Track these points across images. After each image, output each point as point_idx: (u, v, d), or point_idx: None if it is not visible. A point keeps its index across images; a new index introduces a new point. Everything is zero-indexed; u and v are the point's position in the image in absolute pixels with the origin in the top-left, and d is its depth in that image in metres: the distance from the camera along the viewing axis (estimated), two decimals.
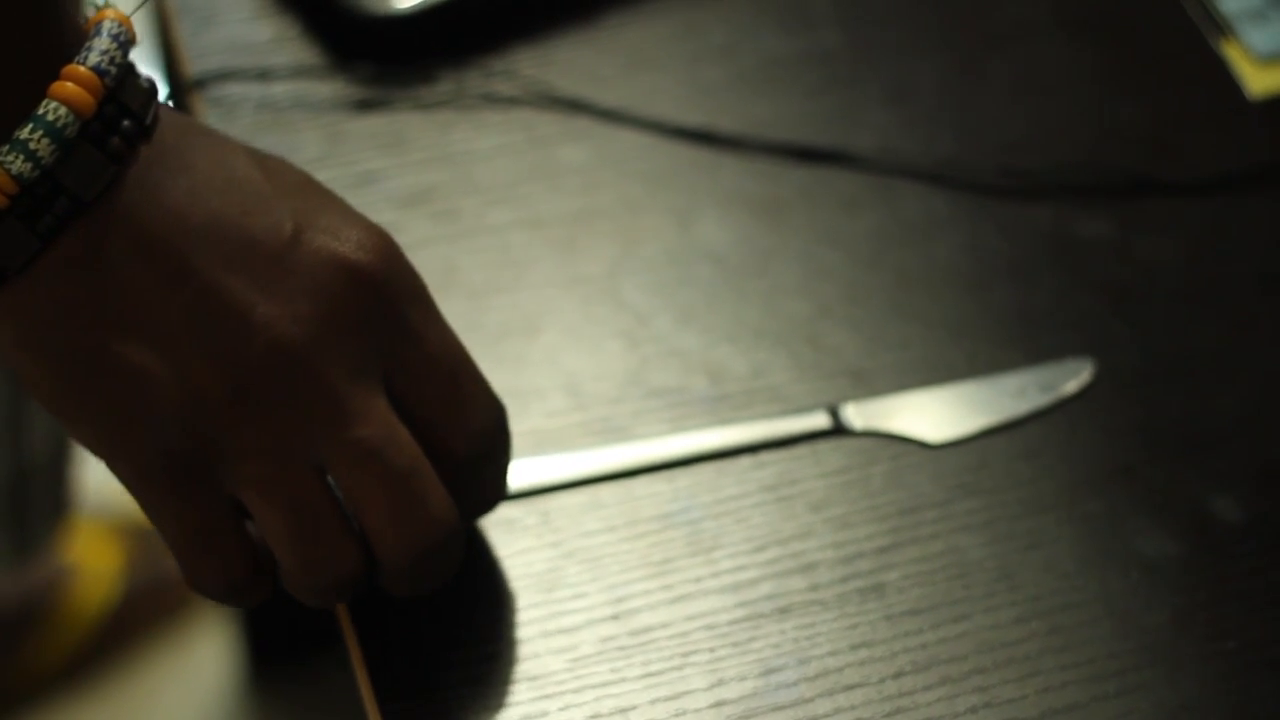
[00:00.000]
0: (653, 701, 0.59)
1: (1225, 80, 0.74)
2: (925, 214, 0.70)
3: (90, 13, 0.55)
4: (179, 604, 1.38)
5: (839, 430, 0.65)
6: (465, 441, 0.56)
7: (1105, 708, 0.59)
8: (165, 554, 1.38)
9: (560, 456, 0.63)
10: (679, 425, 0.65)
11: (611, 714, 0.59)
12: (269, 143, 0.70)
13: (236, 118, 0.71)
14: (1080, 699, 0.59)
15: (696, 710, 0.59)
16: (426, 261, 0.68)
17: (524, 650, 0.60)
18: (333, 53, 0.73)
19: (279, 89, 0.72)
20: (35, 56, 0.52)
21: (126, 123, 0.53)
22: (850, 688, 0.60)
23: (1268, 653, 0.61)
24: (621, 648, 0.60)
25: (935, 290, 0.68)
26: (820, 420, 0.65)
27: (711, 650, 0.60)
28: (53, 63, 0.52)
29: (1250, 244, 0.70)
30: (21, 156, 0.51)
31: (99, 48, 0.52)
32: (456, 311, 0.67)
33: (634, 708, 0.59)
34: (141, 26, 1.47)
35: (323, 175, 0.70)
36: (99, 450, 0.54)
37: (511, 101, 0.72)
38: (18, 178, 0.51)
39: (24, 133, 0.51)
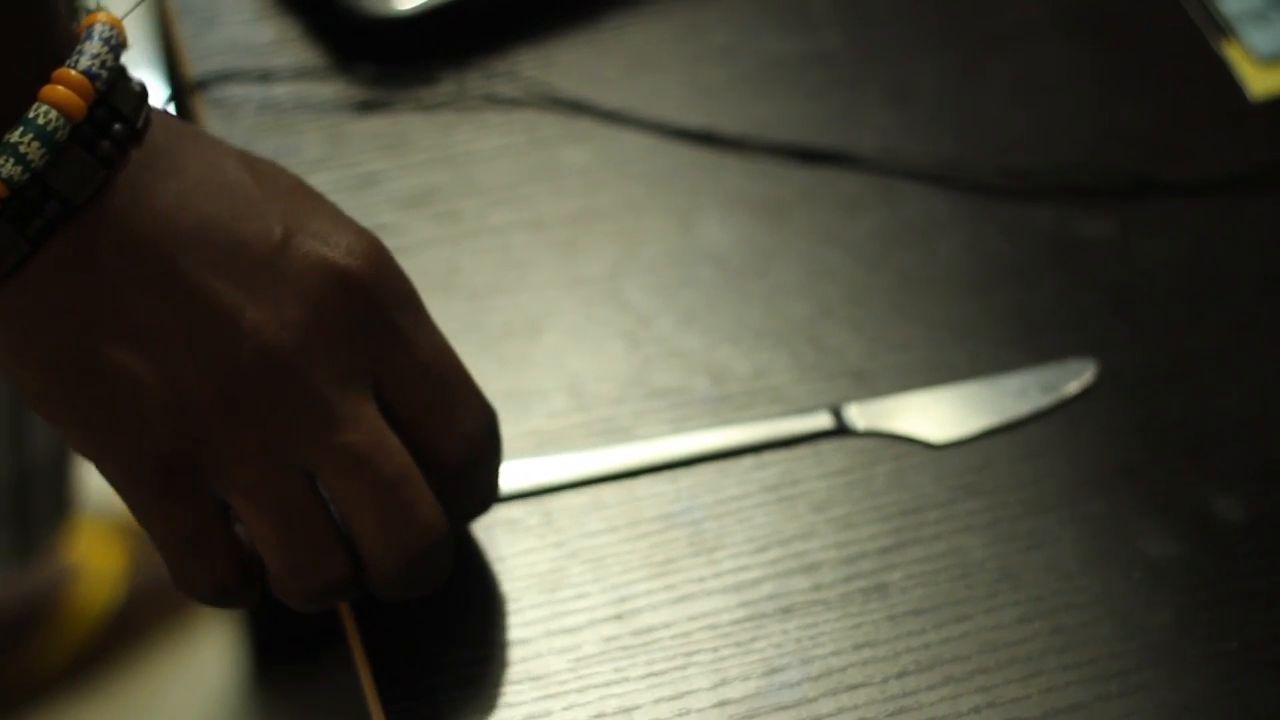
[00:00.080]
0: (656, 701, 0.59)
1: (1226, 81, 0.74)
2: (927, 214, 0.70)
3: (89, 12, 0.55)
4: (182, 604, 1.38)
5: (841, 431, 0.65)
6: (454, 447, 0.56)
7: (1108, 708, 0.59)
8: None
9: (562, 457, 0.63)
10: (681, 426, 0.65)
11: (615, 714, 0.59)
12: (271, 144, 0.70)
13: (238, 119, 0.71)
14: (1083, 699, 0.59)
15: (700, 710, 0.59)
16: (428, 263, 0.68)
17: (527, 650, 0.60)
18: (334, 54, 0.73)
19: (281, 90, 0.72)
20: (26, 60, 0.52)
21: (117, 126, 0.53)
22: (853, 687, 0.60)
23: (1270, 653, 0.61)
24: (624, 648, 0.60)
25: (937, 291, 0.68)
26: (822, 421, 0.65)
27: (714, 650, 0.60)
28: (44, 66, 0.52)
29: (1251, 245, 0.70)
30: (11, 160, 0.51)
31: (90, 51, 0.52)
32: (458, 312, 0.67)
33: (637, 707, 0.59)
34: (142, 28, 1.47)
35: (324, 176, 0.70)
36: (88, 453, 0.54)
37: (513, 103, 0.72)
38: (8, 181, 0.51)
39: (14, 136, 0.51)
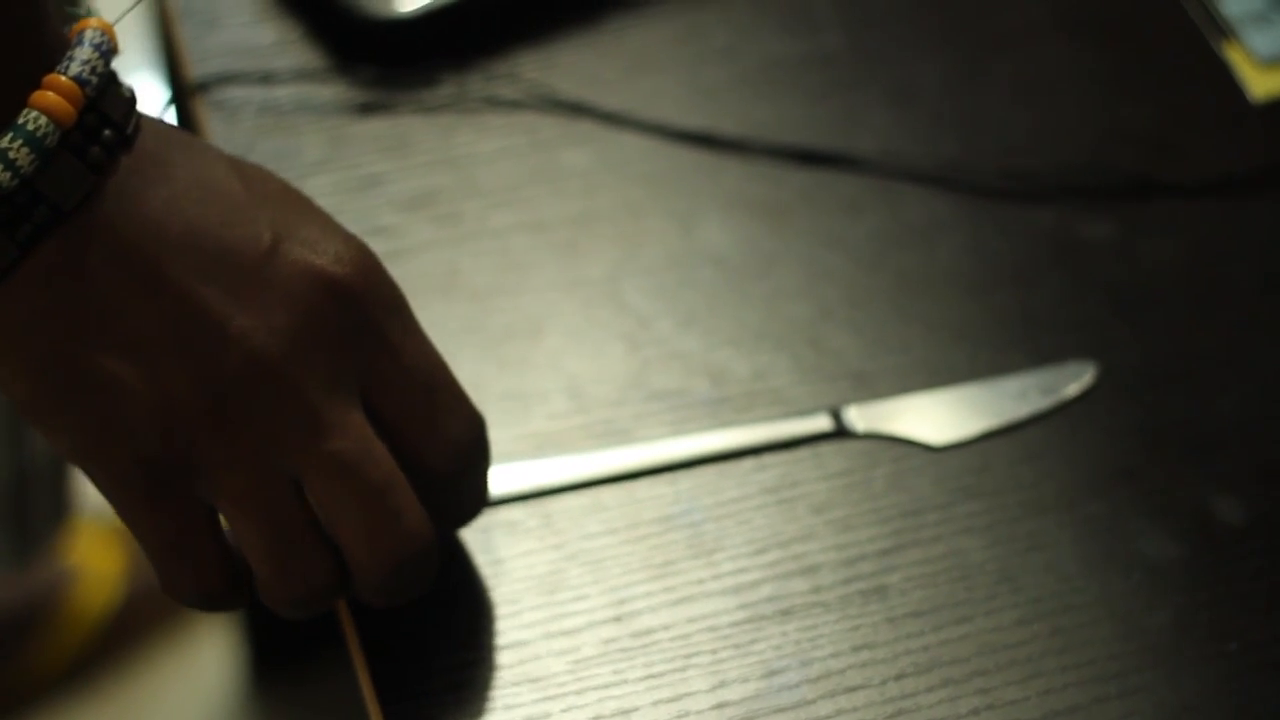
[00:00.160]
0: (655, 703, 0.59)
1: (1227, 83, 0.74)
2: (927, 216, 0.70)
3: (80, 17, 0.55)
4: (180, 607, 1.38)
5: (841, 433, 0.65)
6: (442, 454, 0.56)
7: (1107, 709, 0.59)
8: None
9: (562, 459, 0.63)
10: (681, 428, 0.65)
11: (613, 716, 0.59)
12: (271, 146, 0.70)
13: (239, 121, 0.71)
14: (1082, 700, 0.59)
15: (699, 712, 0.59)
16: (429, 265, 0.68)
17: (526, 652, 0.60)
18: (335, 56, 0.73)
19: (281, 92, 0.72)
20: (16, 65, 0.51)
21: (107, 132, 0.52)
22: (852, 689, 0.60)
23: (1270, 654, 0.61)
24: (623, 650, 0.60)
25: (937, 292, 0.68)
26: (822, 423, 0.65)
27: (713, 652, 0.60)
28: (34, 72, 0.52)
29: (1252, 246, 0.70)
30: (1, 165, 0.51)
31: (80, 57, 0.52)
32: (459, 314, 0.67)
33: (636, 709, 0.59)
34: (142, 30, 1.47)
35: (325, 179, 0.70)
36: (77, 459, 0.54)
37: (514, 105, 0.72)
38: None
39: (4, 141, 0.51)
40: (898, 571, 0.62)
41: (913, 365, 0.66)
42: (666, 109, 0.72)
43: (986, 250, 0.69)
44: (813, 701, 0.59)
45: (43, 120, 0.51)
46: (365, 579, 0.55)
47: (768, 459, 0.64)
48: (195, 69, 0.72)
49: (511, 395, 0.65)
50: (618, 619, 0.61)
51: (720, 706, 0.59)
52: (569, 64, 0.73)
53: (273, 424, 0.53)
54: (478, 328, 0.66)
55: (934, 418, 0.65)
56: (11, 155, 0.51)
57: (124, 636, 1.37)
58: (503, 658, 0.60)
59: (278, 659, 1.36)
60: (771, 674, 0.60)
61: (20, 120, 0.51)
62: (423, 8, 0.72)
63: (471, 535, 0.62)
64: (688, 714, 0.59)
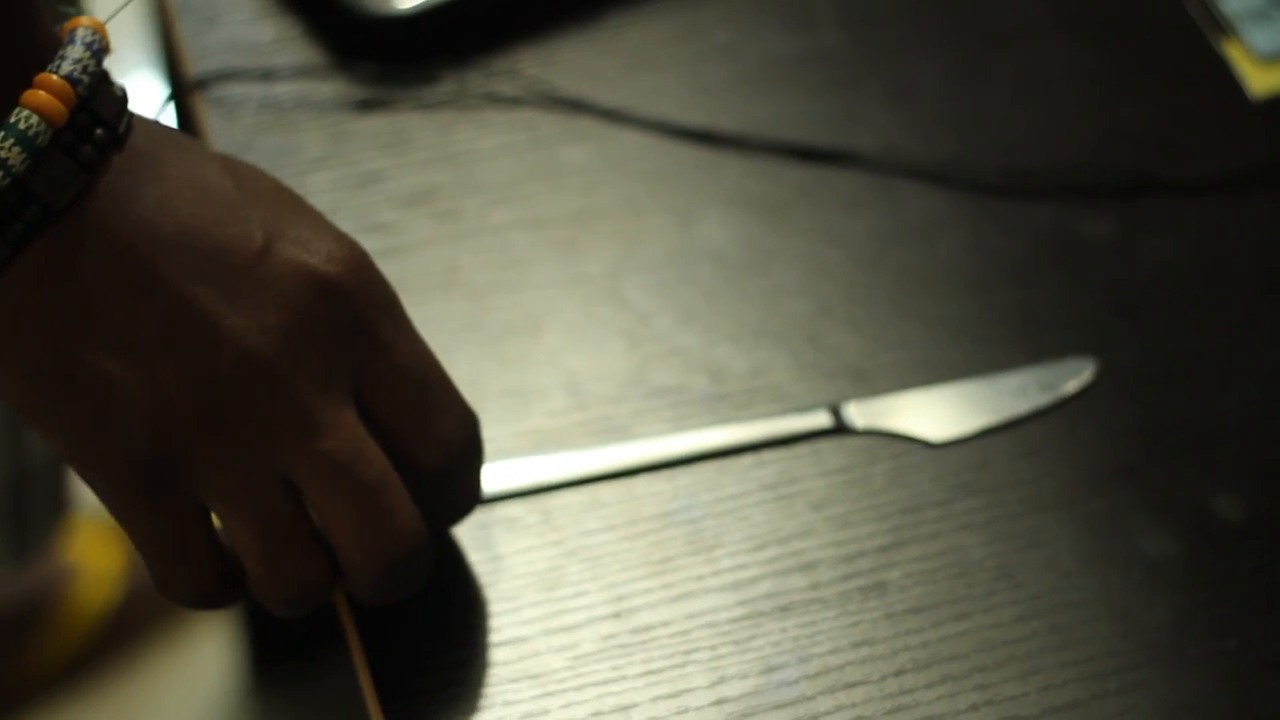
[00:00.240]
0: (654, 699, 0.59)
1: (1227, 80, 0.74)
2: (927, 213, 0.70)
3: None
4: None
5: (840, 429, 0.65)
6: (434, 453, 0.56)
7: (1106, 706, 0.59)
8: None
9: (561, 455, 0.63)
10: (680, 424, 0.65)
11: (613, 712, 0.59)
12: (271, 143, 0.70)
13: (238, 118, 0.71)
14: (1081, 697, 0.59)
15: (698, 708, 0.59)
16: (428, 262, 0.68)
17: (525, 648, 0.60)
18: (335, 53, 0.73)
19: (281, 89, 0.72)
20: (7, 64, 0.51)
21: (99, 131, 0.52)
22: (851, 685, 0.60)
23: (1269, 652, 0.61)
24: (623, 646, 0.60)
25: (936, 290, 0.68)
26: (821, 419, 0.65)
27: (712, 648, 0.60)
28: (25, 71, 0.52)
29: (1252, 243, 0.70)
30: None
31: (72, 56, 0.52)
32: (458, 311, 0.67)
33: (635, 705, 0.59)
34: (142, 27, 1.47)
35: (325, 175, 0.70)
36: (69, 458, 0.54)
37: (513, 101, 0.72)
38: None
39: None
40: (897, 568, 0.62)
41: (912, 362, 0.66)
42: (666, 106, 0.72)
43: (986, 248, 0.69)
44: (812, 698, 0.59)
45: (34, 119, 0.51)
46: (358, 578, 0.55)
47: (767, 455, 0.64)
48: (195, 66, 0.72)
49: (511, 392, 0.65)
50: (617, 615, 0.61)
51: (719, 703, 0.59)
52: (569, 61, 0.73)
53: (265, 423, 0.53)
54: (477, 324, 0.66)
55: (933, 414, 0.65)
56: (3, 154, 0.51)
57: (123, 634, 1.37)
58: (502, 654, 0.60)
59: (277, 656, 1.36)
60: (770, 670, 0.60)
61: (12, 119, 0.51)
62: (422, 4, 0.72)
63: (471, 532, 0.62)
64: (687, 710, 0.59)
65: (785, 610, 0.61)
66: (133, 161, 0.53)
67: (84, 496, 1.40)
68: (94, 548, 1.36)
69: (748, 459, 0.64)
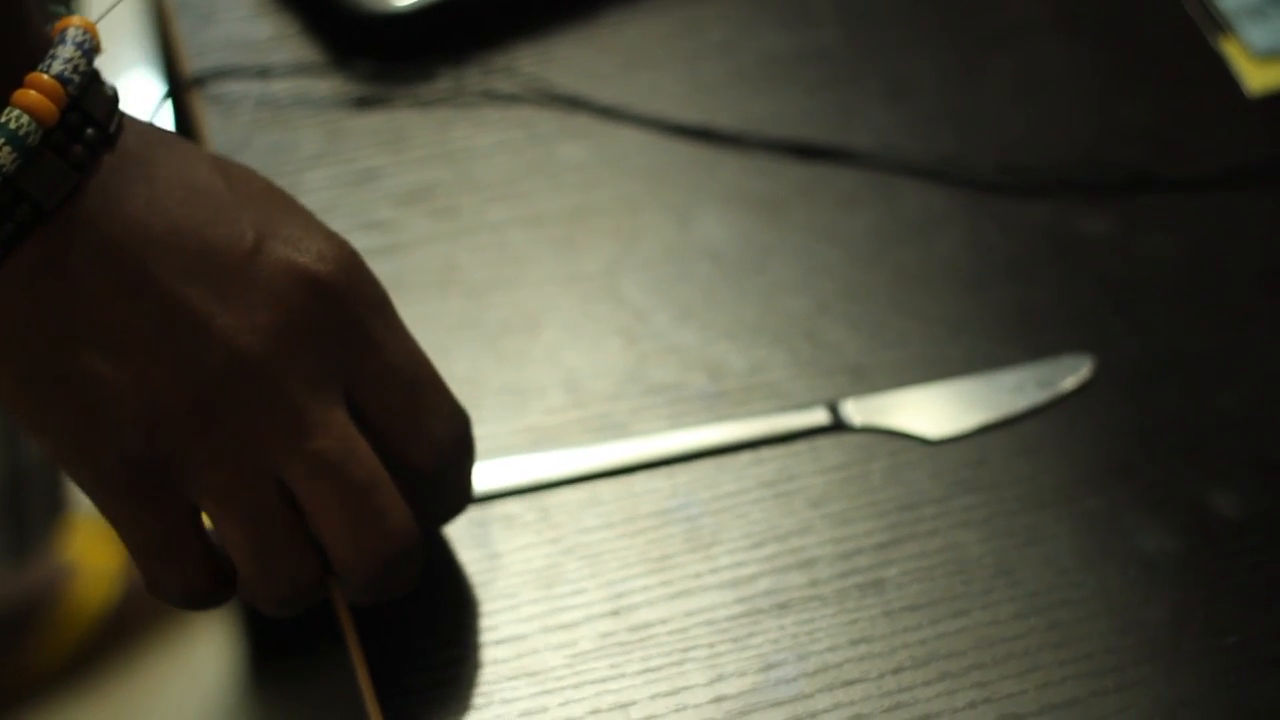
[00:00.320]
0: (652, 697, 0.59)
1: (1224, 77, 0.74)
2: (925, 211, 0.70)
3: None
4: None
5: (838, 426, 0.65)
6: (425, 452, 0.56)
7: (1104, 703, 0.59)
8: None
9: (559, 453, 0.63)
10: (678, 422, 0.65)
11: (611, 709, 0.59)
12: (268, 140, 0.70)
13: (236, 115, 0.71)
14: (1079, 694, 0.59)
15: (696, 705, 0.59)
16: (426, 259, 0.68)
17: (523, 646, 0.60)
18: (332, 50, 0.73)
19: (278, 86, 0.72)
20: None
21: (90, 131, 0.52)
22: (849, 683, 0.60)
23: (1267, 649, 0.61)
24: (621, 643, 0.60)
25: (934, 287, 0.68)
26: (819, 416, 0.65)
27: (711, 646, 0.60)
28: (16, 70, 0.52)
29: (1250, 240, 0.70)
30: None
31: (63, 56, 0.52)
32: (456, 309, 0.67)
33: (633, 703, 0.59)
34: (139, 25, 1.47)
35: (322, 173, 0.70)
36: (60, 458, 0.54)
37: (511, 99, 0.72)
38: None
39: None
40: (895, 565, 0.62)
41: (910, 359, 0.66)
42: (664, 103, 0.72)
43: (984, 245, 0.69)
44: (810, 695, 0.59)
45: (25, 119, 0.51)
46: (350, 577, 0.55)
47: (765, 453, 0.64)
48: (192, 63, 0.72)
49: (509, 389, 0.65)
50: (615, 613, 0.61)
51: (718, 700, 0.59)
52: (566, 58, 0.73)
53: (256, 423, 0.53)
54: (475, 322, 0.66)
55: (931, 411, 0.65)
56: None
57: (121, 632, 1.37)
58: (500, 651, 0.60)
59: (276, 654, 1.36)
60: (769, 667, 0.60)
61: (2, 119, 0.51)
62: (420, 2, 0.72)
63: (468, 529, 0.62)
64: (685, 707, 0.59)
65: (783, 608, 0.61)
66: (123, 161, 0.53)
67: (81, 496, 1.40)
68: (92, 546, 1.36)
69: (746, 456, 0.64)
